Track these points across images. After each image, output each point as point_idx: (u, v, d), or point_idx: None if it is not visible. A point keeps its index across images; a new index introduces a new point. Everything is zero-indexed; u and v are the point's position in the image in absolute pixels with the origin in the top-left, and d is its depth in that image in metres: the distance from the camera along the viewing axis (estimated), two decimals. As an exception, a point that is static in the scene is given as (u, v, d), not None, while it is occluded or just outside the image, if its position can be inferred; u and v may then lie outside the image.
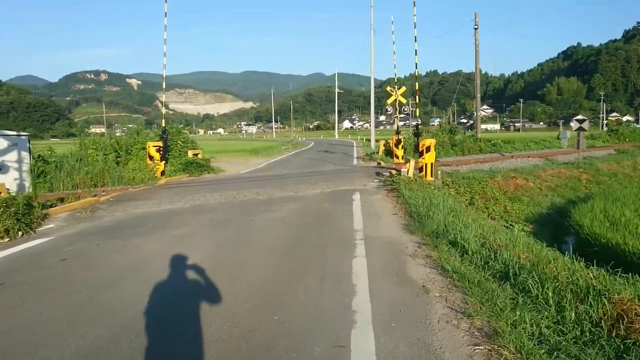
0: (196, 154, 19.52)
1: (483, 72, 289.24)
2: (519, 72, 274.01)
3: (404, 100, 25.87)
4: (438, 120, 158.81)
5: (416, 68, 16.03)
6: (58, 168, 14.13)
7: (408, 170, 14.41)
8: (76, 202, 11.61)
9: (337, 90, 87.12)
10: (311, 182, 15.31)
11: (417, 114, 16.70)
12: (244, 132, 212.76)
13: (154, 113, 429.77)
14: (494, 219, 14.51)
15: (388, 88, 25.90)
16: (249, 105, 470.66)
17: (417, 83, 16.17)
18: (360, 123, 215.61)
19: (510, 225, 13.68)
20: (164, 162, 17.34)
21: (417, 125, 16.65)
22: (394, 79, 25.89)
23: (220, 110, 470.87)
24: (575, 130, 23.67)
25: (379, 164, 23.60)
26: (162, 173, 17.20)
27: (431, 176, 15.72)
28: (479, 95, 32.12)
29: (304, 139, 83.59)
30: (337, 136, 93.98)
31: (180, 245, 7.17)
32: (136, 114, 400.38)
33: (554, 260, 5.78)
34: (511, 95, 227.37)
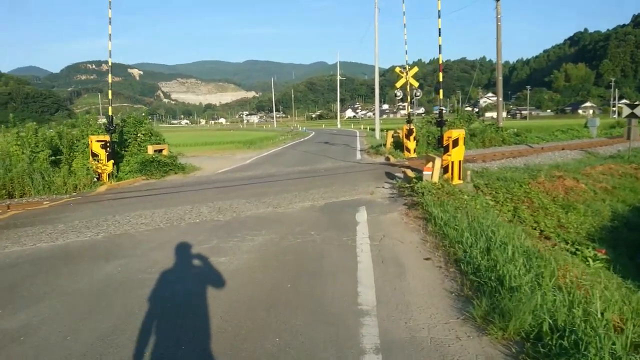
0: (159, 150, 15.57)
1: (487, 60, 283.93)
2: (524, 59, 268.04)
3: (415, 83, 21.84)
4: (443, 108, 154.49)
5: (439, 34, 12.06)
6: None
7: (432, 174, 10.49)
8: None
9: (339, 77, 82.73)
10: (300, 189, 11.39)
11: (441, 95, 12.65)
12: (245, 122, 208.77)
13: (156, 103, 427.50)
14: (549, 238, 10.61)
15: (397, 69, 21.87)
16: (251, 94, 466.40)
17: (440, 56, 12.23)
18: (363, 112, 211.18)
19: (576, 249, 9.74)
20: (112, 161, 13.43)
21: (440, 112, 12.71)
22: (405, 57, 21.84)
23: (222, 99, 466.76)
24: (625, 116, 19.62)
25: (388, 159, 19.64)
26: (111, 176, 13.33)
27: (459, 178, 11.86)
28: (500, 78, 27.99)
29: (304, 128, 79.48)
30: (339, 125, 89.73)
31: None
32: (138, 104, 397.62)
33: None
34: (516, 83, 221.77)
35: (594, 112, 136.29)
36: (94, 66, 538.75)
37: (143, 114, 16.55)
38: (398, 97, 21.90)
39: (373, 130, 43.64)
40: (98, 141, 13.15)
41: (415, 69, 21.98)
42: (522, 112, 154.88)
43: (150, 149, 15.06)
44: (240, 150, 29.43)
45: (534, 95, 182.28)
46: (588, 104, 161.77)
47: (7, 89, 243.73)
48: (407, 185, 10.76)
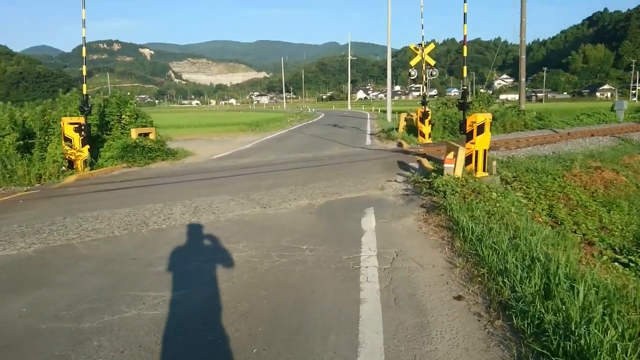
0: (145, 134, 13.92)
1: (502, 40, 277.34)
2: (540, 40, 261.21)
3: (432, 61, 19.95)
4: (455, 90, 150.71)
5: (465, 2, 10.18)
6: None
7: (455, 167, 8.76)
8: None
9: (350, 58, 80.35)
10: (298, 182, 9.72)
11: (464, 73, 10.77)
12: (255, 102, 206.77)
13: (167, 83, 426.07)
14: (592, 243, 8.89)
15: (412, 46, 19.95)
16: (262, 75, 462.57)
17: (465, 26, 10.35)
18: (375, 93, 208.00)
19: (629, 261, 8.00)
20: (87, 146, 11.83)
21: (464, 93, 10.81)
22: (421, 32, 19.84)
23: (233, 80, 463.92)
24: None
25: (400, 145, 17.87)
26: (86, 163, 11.75)
27: (484, 170, 10.14)
28: (523, 57, 25.79)
29: (313, 110, 77.37)
30: (349, 107, 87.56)
31: None
32: (149, 84, 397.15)
33: None
34: (532, 64, 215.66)
35: (612, 95, 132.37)
36: (105, 45, 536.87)
37: (128, 93, 14.87)
38: (412, 76, 19.99)
39: (384, 112, 41.73)
40: (71, 124, 11.55)
41: (432, 46, 20.06)
42: (538, 94, 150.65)
43: (134, 133, 13.42)
44: (243, 133, 27.74)
45: (549, 78, 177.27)
46: (606, 86, 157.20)
47: (18, 69, 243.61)
48: (424, 180, 9.04)
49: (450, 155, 9.46)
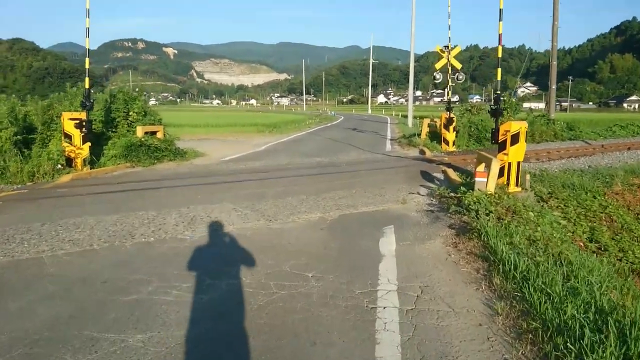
0: (152, 133, 13.15)
1: (527, 48, 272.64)
2: (566, 48, 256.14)
3: (458, 65, 18.91)
4: (477, 97, 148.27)
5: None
6: None
7: (488, 181, 7.75)
8: None
9: (371, 61, 79.37)
10: (310, 191, 8.81)
11: (499, 76, 9.71)
12: (275, 104, 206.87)
13: (189, 82, 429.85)
14: (641, 273, 7.80)
15: (438, 47, 18.92)
16: (283, 77, 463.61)
17: (500, 24, 9.27)
18: (395, 98, 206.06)
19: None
20: (88, 144, 11.08)
21: (496, 98, 9.70)
22: (448, 33, 18.79)
23: (254, 81, 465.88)
24: None
25: (423, 152, 16.84)
26: (85, 162, 11.01)
27: (517, 185, 9.13)
28: (555, 63, 24.53)
29: (333, 112, 76.47)
30: (370, 111, 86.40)
31: None
32: (171, 83, 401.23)
33: None
34: (557, 73, 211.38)
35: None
36: (129, 44, 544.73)
37: (137, 90, 14.12)
38: (437, 80, 18.95)
39: (405, 117, 40.63)
40: (72, 119, 10.82)
41: (459, 49, 19.04)
42: (563, 103, 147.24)
43: (140, 131, 12.66)
44: (259, 134, 26.96)
45: (575, 87, 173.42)
46: (634, 97, 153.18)
47: (44, 64, 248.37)
48: (452, 194, 8.05)
49: (481, 167, 8.46)
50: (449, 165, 12.73)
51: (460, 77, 18.88)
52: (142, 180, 10.12)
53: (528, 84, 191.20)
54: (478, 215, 6.32)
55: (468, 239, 5.69)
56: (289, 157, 14.96)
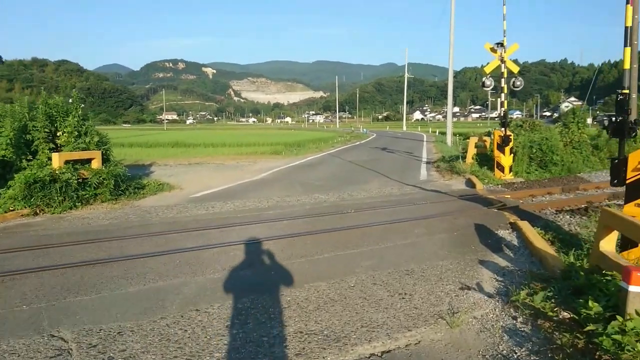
0: (82, 162, 9.16)
1: (569, 62, 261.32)
2: (611, 61, 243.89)
3: (515, 68, 14.51)
4: (518, 112, 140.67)
5: None
6: None
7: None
8: None
9: (406, 76, 74.90)
10: (274, 281, 4.55)
11: (627, 63, 5.24)
12: (310, 121, 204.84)
13: (226, 101, 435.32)
14: None
15: (488, 45, 14.55)
16: (318, 94, 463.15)
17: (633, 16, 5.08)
18: (432, 114, 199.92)
19: None
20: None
21: (621, 101, 5.27)
22: (503, 24, 14.37)
23: (290, 99, 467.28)
24: None
25: (471, 183, 12.34)
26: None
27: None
28: (636, 66, 19.74)
29: (365, 130, 72.13)
30: (404, 127, 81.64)
31: None
32: (209, 102, 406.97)
33: None
34: (602, 87, 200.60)
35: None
36: (170, 64, 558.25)
37: (71, 99, 10.18)
38: (488, 86, 14.51)
39: (443, 134, 35.94)
40: None
41: (516, 46, 14.57)
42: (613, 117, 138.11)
43: (57, 160, 8.71)
44: (273, 155, 22.90)
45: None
46: None
47: (87, 84, 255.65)
48: (552, 303, 3.62)
49: (612, 241, 4.02)
50: (516, 209, 8.22)
51: (518, 82, 14.38)
52: (12, 250, 6.08)
53: (572, 98, 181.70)
54: None
55: None
56: (285, 191, 10.76)
